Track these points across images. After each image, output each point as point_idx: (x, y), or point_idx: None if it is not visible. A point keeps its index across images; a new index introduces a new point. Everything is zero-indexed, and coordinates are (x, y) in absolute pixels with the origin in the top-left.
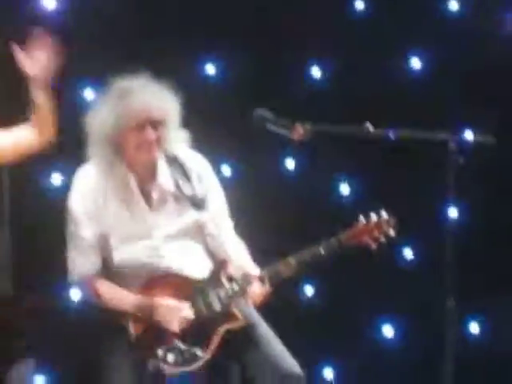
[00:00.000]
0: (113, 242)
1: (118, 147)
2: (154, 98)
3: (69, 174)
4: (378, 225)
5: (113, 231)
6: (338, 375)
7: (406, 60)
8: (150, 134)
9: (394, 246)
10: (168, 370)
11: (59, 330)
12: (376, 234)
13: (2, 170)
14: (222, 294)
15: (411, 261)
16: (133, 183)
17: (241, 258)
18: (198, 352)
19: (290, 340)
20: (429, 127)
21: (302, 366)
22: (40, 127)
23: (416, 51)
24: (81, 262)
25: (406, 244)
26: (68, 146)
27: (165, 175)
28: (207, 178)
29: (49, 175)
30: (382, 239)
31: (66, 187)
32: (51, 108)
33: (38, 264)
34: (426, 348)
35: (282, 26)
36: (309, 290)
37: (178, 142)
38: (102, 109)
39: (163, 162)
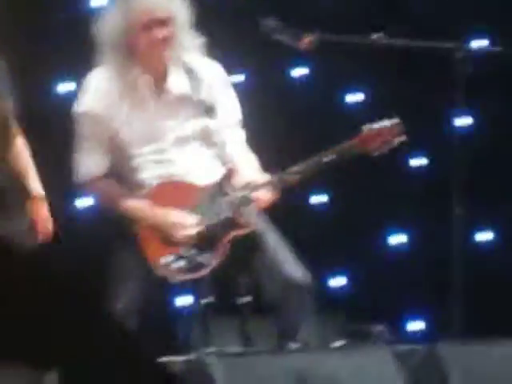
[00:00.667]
0: (124, 145)
1: (129, 51)
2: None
3: (79, 81)
4: (381, 132)
5: (124, 133)
6: (348, 283)
7: None
8: (157, 32)
9: (404, 155)
10: (173, 276)
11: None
12: (379, 141)
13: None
14: (229, 201)
15: (421, 168)
16: (145, 85)
17: (249, 166)
18: (205, 259)
19: (301, 248)
20: (437, 36)
21: (313, 273)
22: None
23: None
24: (88, 162)
25: (416, 152)
26: (79, 53)
27: (177, 79)
28: (220, 85)
29: (60, 81)
30: (386, 147)
31: (76, 94)
32: None
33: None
34: (437, 257)
35: None
36: (322, 198)
37: (191, 46)
38: (111, 14)
39: (177, 67)
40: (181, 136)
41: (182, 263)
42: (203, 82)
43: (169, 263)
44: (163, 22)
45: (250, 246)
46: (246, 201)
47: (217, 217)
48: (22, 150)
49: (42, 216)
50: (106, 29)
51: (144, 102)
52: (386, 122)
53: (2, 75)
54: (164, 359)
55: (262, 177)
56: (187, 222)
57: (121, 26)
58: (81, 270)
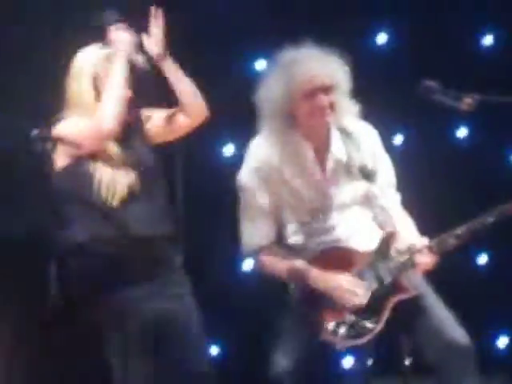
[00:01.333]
0: (287, 212)
1: (290, 117)
2: (321, 64)
3: (241, 146)
4: None
5: (287, 202)
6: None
7: None
8: (322, 99)
9: None
10: (339, 343)
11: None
12: None
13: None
14: (391, 266)
15: None
16: (308, 152)
17: (408, 229)
18: (369, 324)
19: (462, 309)
20: None
21: (475, 335)
22: (187, 109)
23: None
24: (255, 232)
25: None
26: (241, 118)
27: (338, 145)
28: (377, 149)
29: (222, 147)
30: None
31: (239, 159)
32: (190, 85)
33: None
34: None
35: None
36: (482, 259)
37: (349, 112)
38: (271, 81)
39: (336, 132)
40: (342, 201)
41: (347, 330)
42: (362, 146)
43: (334, 330)
44: (326, 90)
45: (411, 308)
46: (409, 265)
47: (380, 282)
48: None
49: None
50: (267, 95)
51: (307, 169)
52: None
53: None
54: None
55: (422, 240)
56: (358, 290)
57: (283, 93)
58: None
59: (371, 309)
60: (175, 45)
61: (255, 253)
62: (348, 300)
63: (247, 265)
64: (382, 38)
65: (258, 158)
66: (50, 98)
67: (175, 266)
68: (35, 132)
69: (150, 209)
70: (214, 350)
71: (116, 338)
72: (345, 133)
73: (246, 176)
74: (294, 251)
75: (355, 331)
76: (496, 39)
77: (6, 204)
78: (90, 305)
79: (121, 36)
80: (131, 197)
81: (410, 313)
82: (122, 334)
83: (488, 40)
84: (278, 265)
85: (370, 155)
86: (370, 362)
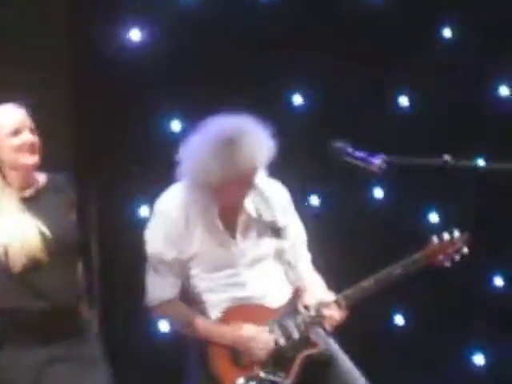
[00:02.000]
0: (194, 269)
1: (215, 189)
2: (258, 151)
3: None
4: (451, 242)
5: (195, 258)
6: None
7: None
8: (252, 181)
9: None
10: None
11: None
12: (449, 251)
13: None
14: (299, 321)
15: (501, 288)
16: (216, 215)
17: (316, 285)
18: (278, 379)
19: (373, 368)
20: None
21: None
22: None
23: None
24: (160, 286)
25: (497, 271)
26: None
27: (249, 201)
28: (287, 207)
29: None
30: (457, 257)
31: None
32: None
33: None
34: None
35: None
36: (398, 320)
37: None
38: (205, 151)
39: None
40: (252, 257)
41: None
42: (272, 203)
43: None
44: (255, 176)
45: (321, 364)
46: (317, 320)
47: (288, 337)
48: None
49: None
50: (198, 166)
51: (217, 227)
52: (455, 232)
53: None
54: None
55: (329, 295)
56: (262, 338)
57: (218, 172)
58: None
59: (280, 364)
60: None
61: (158, 306)
62: (250, 354)
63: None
64: (297, 99)
65: (167, 213)
66: None
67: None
68: None
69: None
70: None
71: None
72: (257, 190)
73: (153, 229)
74: (202, 306)
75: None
76: (411, 102)
77: None
78: None
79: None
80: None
81: (321, 369)
82: None
83: (403, 101)
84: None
85: (280, 213)
86: None
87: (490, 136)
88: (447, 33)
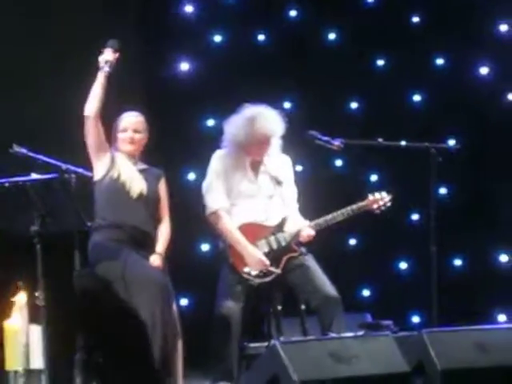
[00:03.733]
0: (233, 195)
1: (244, 149)
2: (271, 124)
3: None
4: (380, 199)
5: (234, 189)
6: (371, 294)
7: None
8: (266, 148)
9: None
10: (253, 280)
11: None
12: (378, 204)
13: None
14: (286, 235)
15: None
16: (249, 165)
17: (297, 215)
18: (272, 269)
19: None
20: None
21: (341, 290)
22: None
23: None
24: (216, 199)
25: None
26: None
27: (266, 160)
28: (287, 170)
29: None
30: (383, 208)
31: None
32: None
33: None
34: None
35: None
36: (352, 241)
37: (275, 150)
38: (237, 125)
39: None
40: (266, 193)
41: (257, 273)
42: (279, 166)
43: (249, 272)
44: (269, 139)
45: (301, 271)
46: (297, 235)
47: (279, 244)
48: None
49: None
50: (232, 132)
51: (248, 173)
52: (384, 194)
53: None
54: (252, 344)
55: (306, 222)
56: (256, 255)
57: (243, 136)
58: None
59: (273, 260)
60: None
61: (215, 212)
62: (253, 265)
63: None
64: (287, 105)
65: (220, 160)
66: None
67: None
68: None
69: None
70: (184, 301)
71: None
72: (271, 157)
73: (213, 162)
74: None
75: (262, 273)
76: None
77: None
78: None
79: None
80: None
81: (301, 275)
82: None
83: (354, 105)
84: (228, 231)
85: (282, 173)
86: (279, 307)
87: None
88: None
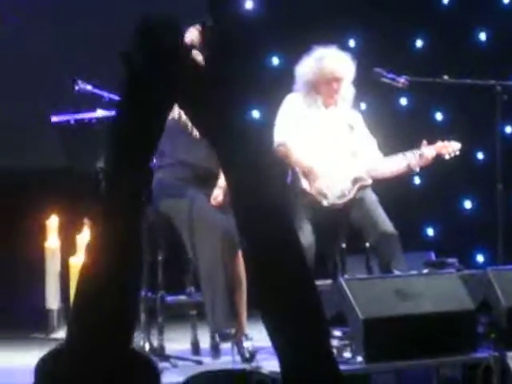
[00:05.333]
0: (304, 132)
1: (314, 88)
2: (339, 63)
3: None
4: (449, 146)
5: (305, 126)
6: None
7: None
8: (336, 88)
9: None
10: (326, 200)
11: None
12: (447, 151)
13: None
14: (360, 166)
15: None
16: (321, 105)
17: (369, 154)
18: (346, 193)
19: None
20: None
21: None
22: None
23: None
24: (284, 132)
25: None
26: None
27: (338, 108)
28: (360, 123)
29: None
30: (452, 155)
31: None
32: None
33: None
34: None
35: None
36: (416, 180)
37: (347, 97)
38: (307, 65)
39: (341, 103)
40: (336, 132)
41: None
42: (351, 116)
43: (326, 193)
44: (339, 79)
45: (362, 208)
46: (371, 170)
47: (352, 173)
48: None
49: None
50: (303, 72)
51: (320, 111)
52: (453, 142)
53: None
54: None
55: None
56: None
57: (311, 75)
58: None
59: (346, 188)
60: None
61: (283, 144)
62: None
63: None
64: (352, 43)
65: (294, 100)
66: None
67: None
68: None
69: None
70: None
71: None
72: (345, 109)
73: (284, 104)
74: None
75: (337, 196)
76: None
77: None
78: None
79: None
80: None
81: (361, 208)
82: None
83: (419, 43)
84: (299, 159)
85: (354, 122)
86: (343, 244)
87: None
88: None
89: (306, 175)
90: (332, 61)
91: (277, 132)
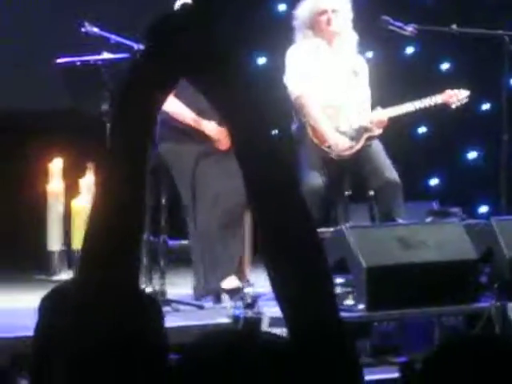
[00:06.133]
0: (312, 77)
1: (312, 27)
2: None
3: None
4: (457, 94)
5: (314, 71)
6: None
7: None
8: (330, 14)
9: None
10: (333, 152)
11: None
12: (454, 100)
13: None
14: (366, 116)
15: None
16: (322, 48)
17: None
18: (353, 144)
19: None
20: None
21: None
22: None
23: None
24: (299, 82)
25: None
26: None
27: (342, 47)
28: (363, 66)
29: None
30: (459, 103)
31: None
32: None
33: None
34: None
35: None
36: (421, 130)
37: (351, 41)
38: (302, 6)
39: (345, 44)
40: (343, 76)
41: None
42: (355, 62)
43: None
44: (334, 11)
45: (367, 156)
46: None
47: (358, 122)
48: None
49: None
50: (300, 13)
51: (322, 55)
52: (461, 90)
53: None
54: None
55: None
56: (340, 140)
57: (308, 11)
58: None
59: (354, 138)
60: None
61: (299, 96)
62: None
63: None
64: None
65: (300, 48)
66: None
67: None
68: None
69: None
70: None
71: None
72: (351, 54)
73: (289, 57)
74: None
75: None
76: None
77: None
78: None
79: None
80: None
81: (366, 155)
82: None
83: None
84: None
85: (359, 69)
86: (347, 192)
87: None
88: None
89: (315, 130)
90: None
91: (292, 84)
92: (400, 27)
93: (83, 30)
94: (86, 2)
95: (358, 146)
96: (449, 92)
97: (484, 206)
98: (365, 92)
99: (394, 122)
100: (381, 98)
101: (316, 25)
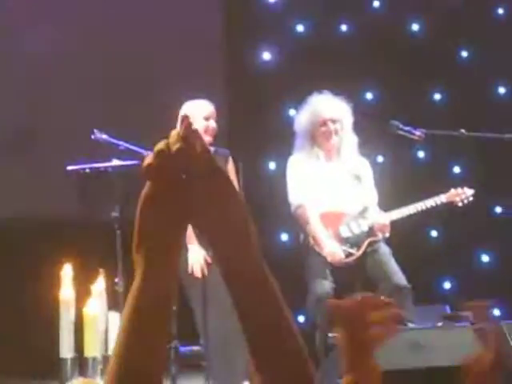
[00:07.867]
0: (312, 186)
1: (312, 138)
2: (332, 104)
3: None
4: (462, 193)
5: (311, 184)
6: (451, 286)
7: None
8: (330, 132)
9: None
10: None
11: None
12: (460, 198)
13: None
14: (368, 221)
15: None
16: (321, 158)
17: (374, 206)
18: (353, 251)
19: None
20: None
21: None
22: None
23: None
24: (298, 194)
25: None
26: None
27: (344, 158)
28: (367, 171)
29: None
30: (465, 202)
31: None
32: None
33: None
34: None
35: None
36: (433, 233)
37: (351, 140)
38: (304, 113)
39: (345, 151)
40: (343, 184)
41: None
42: (356, 165)
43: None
44: (335, 120)
45: (375, 260)
46: (377, 222)
47: (360, 229)
48: None
49: None
50: (300, 122)
51: (322, 164)
52: (466, 189)
53: None
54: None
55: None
56: (335, 250)
57: (308, 121)
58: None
59: (355, 243)
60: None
61: (299, 207)
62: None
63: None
64: (369, 96)
65: (298, 161)
66: None
67: None
68: None
69: None
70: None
71: None
72: (351, 158)
73: (289, 168)
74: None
75: (344, 254)
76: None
77: None
78: None
79: None
80: None
81: (375, 260)
82: None
83: (437, 96)
84: (310, 222)
85: (361, 172)
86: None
87: None
88: None
89: (315, 238)
90: (320, 103)
91: (292, 195)
92: (408, 131)
93: (92, 137)
94: (95, 110)
95: (360, 253)
96: (453, 191)
97: (496, 309)
98: (369, 195)
99: (403, 224)
100: (389, 202)
101: (316, 137)
